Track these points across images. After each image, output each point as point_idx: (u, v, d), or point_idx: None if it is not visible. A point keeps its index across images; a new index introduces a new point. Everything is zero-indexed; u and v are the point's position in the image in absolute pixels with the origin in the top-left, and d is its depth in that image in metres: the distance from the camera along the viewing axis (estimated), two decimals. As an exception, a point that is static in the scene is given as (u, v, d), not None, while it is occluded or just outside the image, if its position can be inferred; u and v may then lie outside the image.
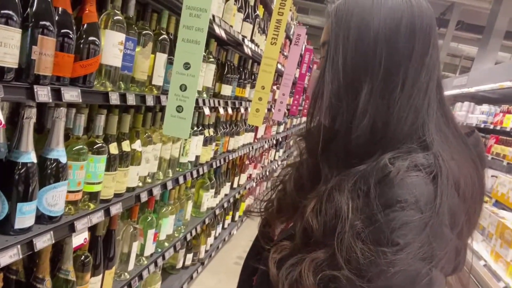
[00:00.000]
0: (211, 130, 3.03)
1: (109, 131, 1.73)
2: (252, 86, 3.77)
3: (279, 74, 5.03)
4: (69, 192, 1.50)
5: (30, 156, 1.28)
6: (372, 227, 0.64)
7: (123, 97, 1.68)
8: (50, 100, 1.29)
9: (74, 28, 1.37)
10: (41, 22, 1.21)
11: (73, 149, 1.52)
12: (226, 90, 3.14)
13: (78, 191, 1.56)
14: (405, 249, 0.61)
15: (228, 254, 4.07)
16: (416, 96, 0.72)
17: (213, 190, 3.40)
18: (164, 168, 2.37)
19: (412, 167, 0.67)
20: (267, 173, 5.88)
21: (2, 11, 1.10)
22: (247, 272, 0.90)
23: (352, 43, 0.74)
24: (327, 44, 0.79)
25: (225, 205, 3.88)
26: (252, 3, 3.34)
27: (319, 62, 0.92)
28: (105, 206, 1.74)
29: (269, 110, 4.73)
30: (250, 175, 4.77)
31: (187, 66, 1.51)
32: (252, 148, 4.48)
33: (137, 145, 1.95)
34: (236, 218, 4.63)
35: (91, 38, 1.46)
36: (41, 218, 1.39)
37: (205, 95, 2.69)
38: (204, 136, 2.88)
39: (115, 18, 1.59)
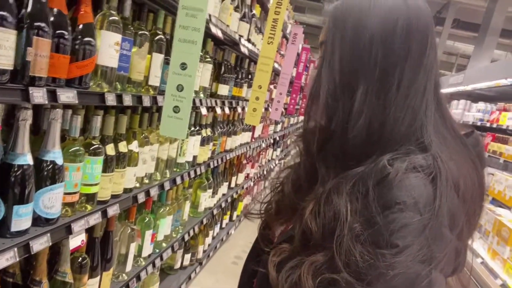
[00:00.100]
0: (208, 130, 3.02)
1: (105, 132, 1.72)
2: (249, 86, 3.76)
3: (276, 73, 5.03)
4: (65, 194, 1.49)
5: (26, 158, 1.28)
6: (371, 229, 0.64)
7: (119, 98, 1.67)
8: (46, 102, 1.28)
9: (69, 28, 1.36)
10: (36, 23, 1.20)
11: (70, 150, 1.51)
12: (223, 89, 3.13)
13: (75, 193, 1.55)
14: (405, 251, 0.61)
15: (226, 254, 4.07)
16: (413, 97, 0.72)
17: (211, 190, 3.40)
18: (162, 169, 2.36)
19: (411, 168, 0.67)
20: (265, 172, 5.88)
21: (-4, 12, 1.09)
22: (247, 274, 0.90)
23: (348, 43, 0.74)
24: (324, 44, 0.79)
25: (223, 205, 3.88)
26: (248, 2, 3.33)
27: (316, 62, 0.92)
28: (102, 207, 1.73)
29: (266, 109, 4.73)
30: (248, 174, 4.76)
31: (183, 66, 1.51)
32: (250, 147, 4.47)
33: (134, 146, 1.94)
34: (234, 217, 4.62)
35: (86, 39, 1.45)
36: (37, 220, 1.38)
37: (202, 95, 2.69)
38: (201, 136, 2.87)
39: (111, 18, 1.58)
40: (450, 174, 0.67)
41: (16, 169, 1.25)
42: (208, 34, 2.54)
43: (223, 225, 4.29)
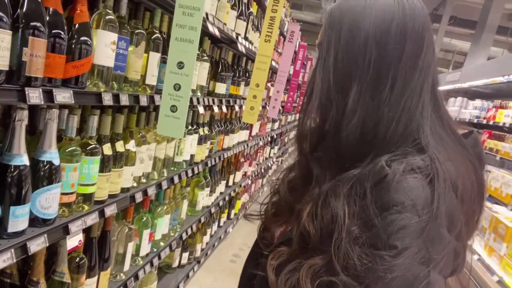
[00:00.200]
0: (206, 128, 3.02)
1: (102, 131, 1.71)
2: (247, 84, 3.75)
3: (273, 71, 5.02)
4: (62, 194, 1.49)
5: (22, 159, 1.27)
6: (369, 232, 0.64)
7: (116, 97, 1.66)
8: (42, 102, 1.27)
9: (65, 28, 1.35)
10: (32, 23, 1.19)
11: (66, 150, 1.50)
12: (220, 88, 3.13)
13: (71, 193, 1.54)
14: (403, 253, 0.61)
15: (224, 252, 4.08)
16: (409, 98, 0.72)
17: (208, 189, 3.40)
18: (159, 168, 2.35)
19: (408, 170, 0.67)
20: (262, 170, 5.88)
21: (-9, 12, 1.08)
22: (247, 276, 0.90)
23: (343, 44, 0.74)
24: (321, 45, 0.79)
25: (221, 203, 3.88)
26: (245, 0, 3.32)
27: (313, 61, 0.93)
28: (100, 207, 1.73)
29: (264, 107, 4.73)
30: (245, 172, 4.76)
31: (180, 65, 1.50)
32: (247, 145, 4.47)
33: (131, 145, 1.94)
34: (232, 216, 4.62)
35: (83, 38, 1.44)
36: (34, 221, 1.37)
37: (199, 94, 2.68)
38: (199, 134, 2.87)
39: (107, 17, 1.57)
40: (448, 175, 0.67)
41: (12, 169, 1.25)
42: (205, 33, 2.54)
43: (221, 224, 4.29)
